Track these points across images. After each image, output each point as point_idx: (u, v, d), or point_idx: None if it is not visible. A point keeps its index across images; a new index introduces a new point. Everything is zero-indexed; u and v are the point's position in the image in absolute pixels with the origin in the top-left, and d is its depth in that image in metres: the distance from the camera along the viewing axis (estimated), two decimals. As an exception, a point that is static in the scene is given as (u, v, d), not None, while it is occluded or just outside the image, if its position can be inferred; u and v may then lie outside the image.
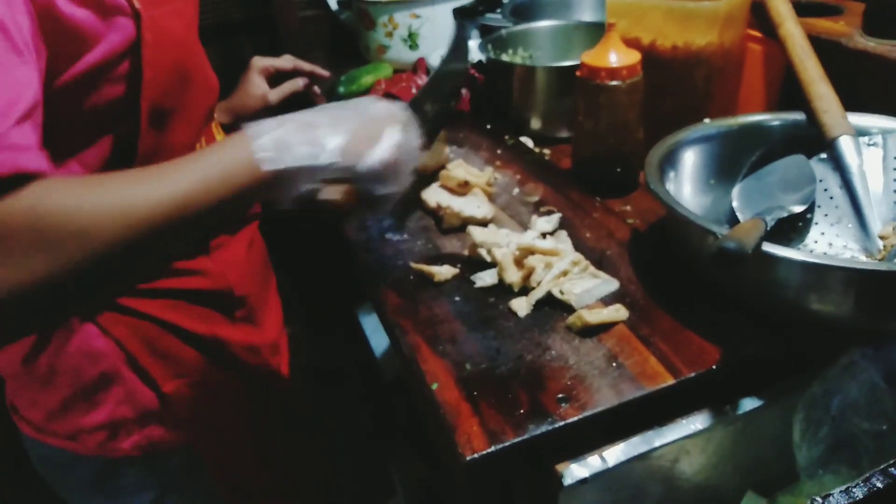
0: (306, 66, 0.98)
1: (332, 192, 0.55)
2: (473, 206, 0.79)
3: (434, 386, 0.57)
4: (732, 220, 0.74)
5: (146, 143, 0.60)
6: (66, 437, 0.70)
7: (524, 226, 0.78)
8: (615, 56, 0.78)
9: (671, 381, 0.56)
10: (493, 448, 0.51)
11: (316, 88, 1.00)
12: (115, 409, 0.68)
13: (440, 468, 1.16)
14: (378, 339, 1.32)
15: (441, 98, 0.69)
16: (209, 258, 0.73)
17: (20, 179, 0.41)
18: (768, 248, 0.54)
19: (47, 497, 0.80)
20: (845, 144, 0.70)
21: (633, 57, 0.78)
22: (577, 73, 0.80)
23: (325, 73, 1.01)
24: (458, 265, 0.72)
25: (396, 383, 1.28)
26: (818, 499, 0.53)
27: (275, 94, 0.93)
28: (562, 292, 0.64)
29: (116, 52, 0.54)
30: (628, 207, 0.81)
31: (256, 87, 0.92)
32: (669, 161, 0.72)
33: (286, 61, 0.96)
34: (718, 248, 0.48)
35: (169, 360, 0.69)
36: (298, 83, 0.96)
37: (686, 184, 0.75)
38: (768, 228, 0.58)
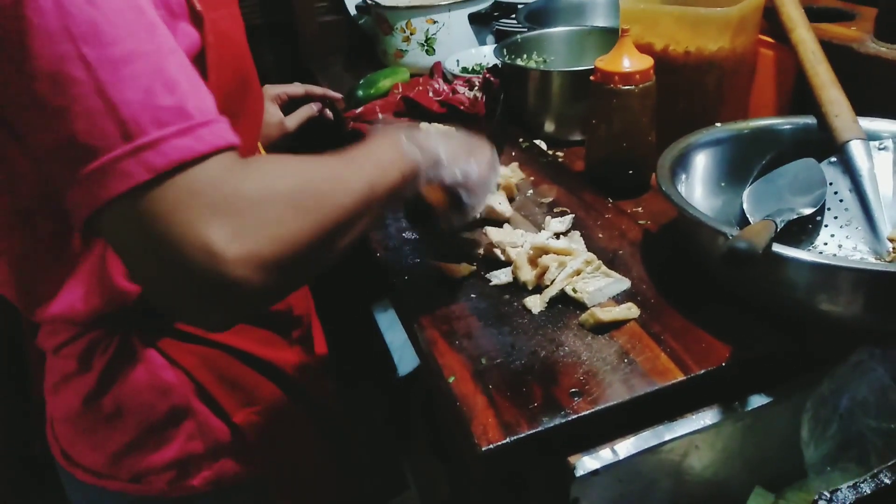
0: (318, 90, 1.02)
1: (429, 193, 0.64)
2: (496, 201, 0.81)
3: (451, 379, 0.59)
4: (743, 223, 0.75)
5: None
6: (130, 480, 0.65)
7: (538, 226, 0.80)
8: (628, 61, 0.79)
9: (681, 378, 0.57)
10: (508, 439, 0.53)
11: (329, 113, 1.04)
12: (185, 445, 0.65)
13: (453, 463, 1.17)
14: (393, 336, 1.35)
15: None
16: None
17: (234, 150, 0.44)
18: (778, 248, 0.56)
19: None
20: (856, 148, 0.71)
21: (646, 62, 0.80)
22: (591, 78, 0.82)
23: (336, 95, 1.05)
24: (475, 263, 0.74)
25: (411, 379, 1.30)
26: (826, 494, 0.54)
27: (292, 121, 0.96)
28: (575, 290, 0.66)
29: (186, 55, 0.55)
30: (640, 209, 0.82)
31: (272, 115, 0.94)
32: (681, 164, 0.74)
33: (297, 87, 0.99)
34: (729, 248, 0.50)
35: (238, 388, 0.67)
36: (313, 108, 0.99)
37: (697, 186, 0.77)
38: (778, 230, 0.60)
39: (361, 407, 1.43)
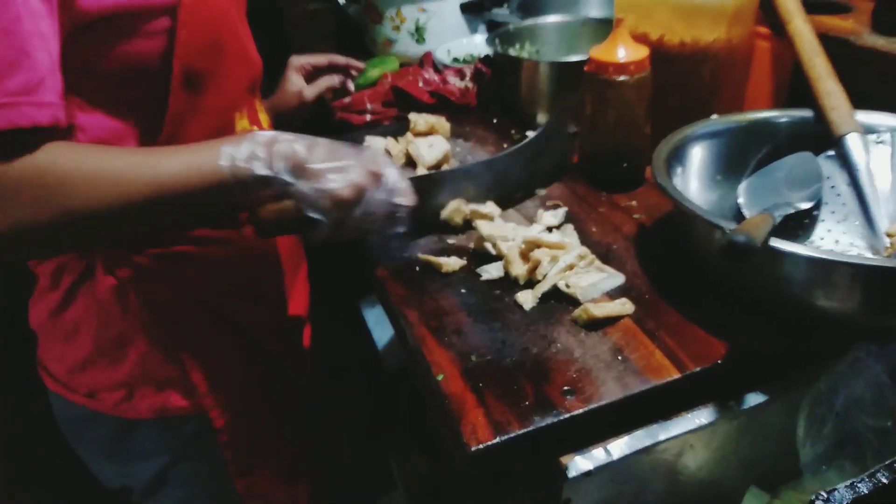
0: (341, 59, 1.01)
1: (271, 206, 0.60)
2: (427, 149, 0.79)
3: (440, 377, 0.57)
4: (739, 217, 0.74)
5: (177, 103, 0.61)
6: (86, 395, 0.71)
7: (530, 220, 0.78)
8: (623, 51, 0.77)
9: (676, 375, 0.56)
10: (498, 439, 0.51)
11: (350, 84, 1.03)
12: (132, 370, 0.70)
13: (441, 461, 1.16)
14: (381, 332, 1.33)
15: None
16: (238, 232, 0.74)
17: (36, 132, 0.49)
18: (776, 243, 0.54)
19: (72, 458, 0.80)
20: (853, 142, 0.70)
21: (642, 52, 0.78)
22: (585, 68, 0.80)
23: (360, 64, 1.04)
24: (465, 257, 0.72)
25: (398, 376, 1.28)
26: (823, 493, 0.53)
27: (310, 91, 0.96)
28: (568, 286, 0.64)
29: (152, 4, 0.57)
30: (634, 202, 0.81)
31: (293, 84, 0.96)
32: (677, 156, 0.72)
33: (322, 58, 0.99)
34: (728, 241, 0.48)
35: (189, 328, 0.70)
36: (334, 79, 0.99)
37: (693, 179, 0.75)
38: (776, 224, 0.58)
39: (347, 403, 1.41)
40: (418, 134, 0.92)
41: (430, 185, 0.74)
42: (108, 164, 0.53)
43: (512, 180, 0.79)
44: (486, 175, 0.77)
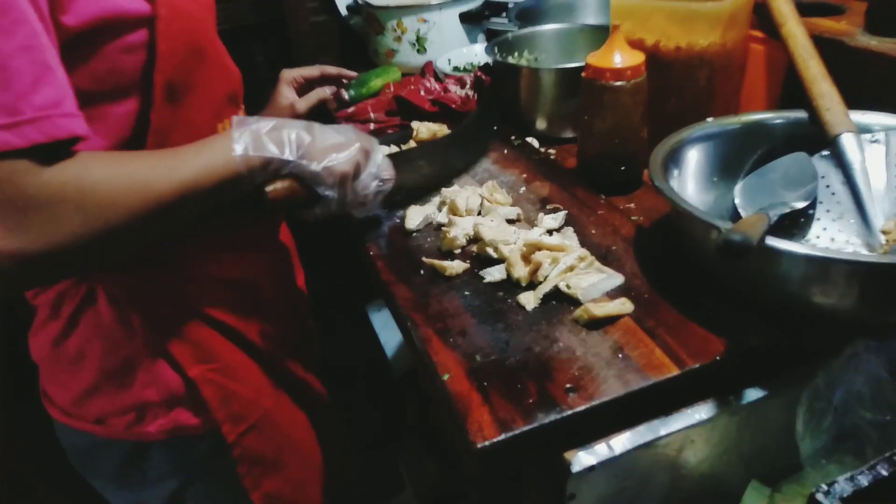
0: (332, 70, 1.03)
1: (277, 185, 0.65)
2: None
3: (445, 377, 0.58)
4: (735, 217, 0.75)
5: (160, 117, 0.62)
6: (94, 422, 0.72)
7: (531, 223, 0.80)
8: (620, 57, 0.79)
9: (676, 372, 0.57)
10: (503, 436, 0.53)
11: (344, 93, 1.05)
12: (140, 392, 0.70)
13: (449, 463, 1.17)
14: (388, 336, 1.34)
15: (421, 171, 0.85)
16: (233, 250, 0.75)
17: (70, 143, 0.50)
18: (772, 241, 0.55)
19: (79, 490, 0.81)
20: (847, 141, 0.71)
21: (638, 58, 0.80)
22: (583, 74, 0.82)
23: (352, 73, 1.05)
24: (468, 261, 0.73)
25: (406, 380, 1.30)
26: (824, 486, 0.54)
27: (302, 103, 0.97)
28: (568, 286, 0.65)
29: (128, 14, 0.58)
30: (632, 205, 0.82)
31: (284, 97, 0.97)
32: (673, 159, 0.74)
33: (313, 70, 1.00)
34: (724, 241, 0.50)
35: (194, 344, 0.71)
36: (325, 91, 1.00)
37: (690, 181, 0.77)
38: (771, 223, 0.60)
39: (355, 407, 1.42)
40: (420, 141, 0.94)
41: (400, 162, 0.78)
42: (135, 169, 0.54)
43: (454, 157, 0.93)
44: (438, 153, 0.89)
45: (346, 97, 1.06)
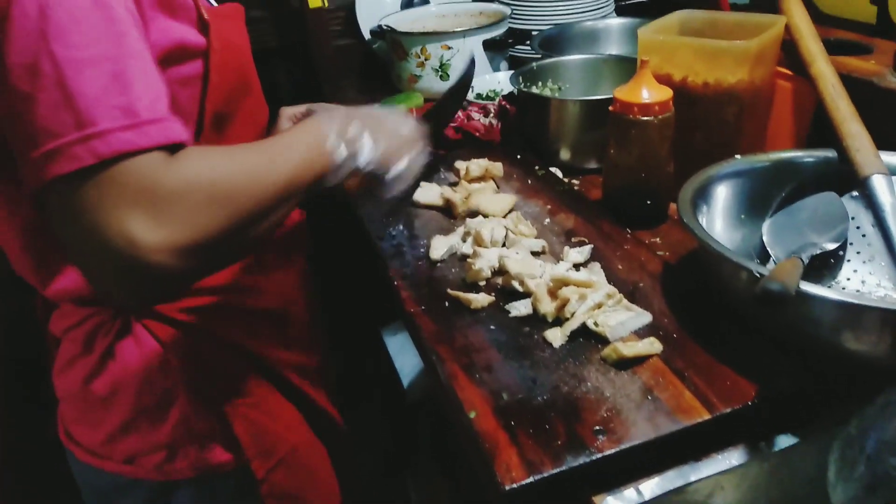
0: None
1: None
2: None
3: (472, 414, 0.58)
4: (763, 255, 0.75)
5: (208, 143, 0.64)
6: (123, 461, 0.71)
7: (556, 256, 0.79)
8: (647, 92, 0.79)
9: (707, 417, 0.56)
10: (532, 478, 0.52)
11: None
12: (174, 429, 0.70)
13: (461, 487, 1.16)
14: (402, 360, 1.33)
15: (441, 119, 0.90)
16: (266, 278, 0.76)
17: (177, 147, 0.50)
18: (805, 286, 0.55)
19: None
20: (878, 183, 0.71)
21: (665, 93, 0.80)
22: (610, 108, 0.82)
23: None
24: (492, 294, 0.73)
25: (419, 403, 1.29)
26: (855, 537, 0.53)
27: None
28: (596, 324, 0.65)
29: (189, 46, 0.60)
30: (658, 240, 0.82)
31: None
32: (702, 196, 0.73)
33: (312, 107, 1.02)
34: (763, 290, 0.49)
35: (227, 379, 0.71)
36: None
37: (718, 218, 0.76)
38: (804, 266, 0.59)
39: (366, 429, 1.41)
40: (472, 180, 0.95)
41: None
42: (241, 164, 0.54)
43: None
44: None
45: None
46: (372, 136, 0.65)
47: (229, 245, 0.52)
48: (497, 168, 0.96)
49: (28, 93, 0.46)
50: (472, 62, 0.95)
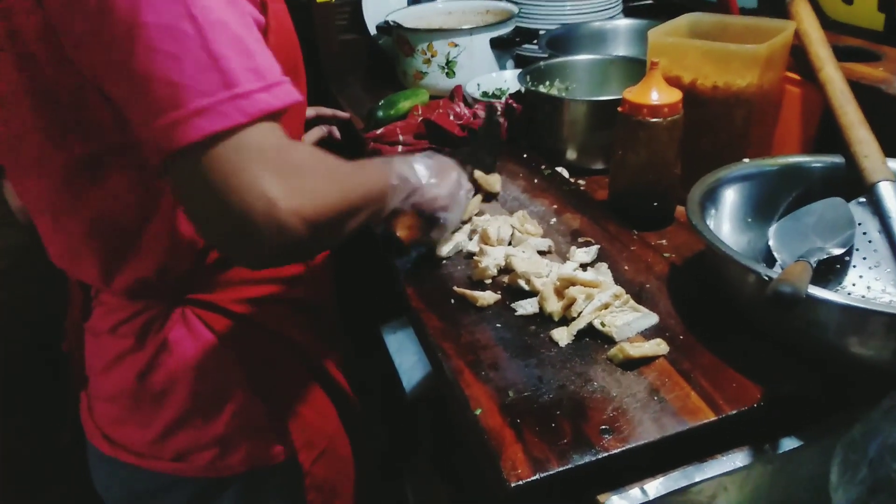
0: (327, 111, 1.09)
1: (401, 225, 0.73)
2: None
3: (478, 411, 0.58)
4: (769, 259, 0.75)
5: None
6: (173, 459, 0.68)
7: (562, 256, 0.79)
8: (657, 94, 0.79)
9: (713, 418, 0.57)
10: (537, 476, 0.52)
11: (336, 132, 1.10)
12: (230, 422, 0.68)
13: (463, 491, 1.16)
14: (402, 358, 1.33)
15: (477, 163, 0.93)
16: (304, 268, 0.77)
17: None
18: (813, 290, 0.55)
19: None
20: (885, 190, 0.71)
21: (675, 95, 0.80)
22: (619, 109, 0.82)
23: (344, 115, 1.12)
24: (499, 292, 0.73)
25: (418, 401, 1.29)
26: (857, 541, 0.53)
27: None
28: (603, 324, 0.65)
29: (256, 24, 0.60)
30: (664, 241, 0.82)
31: None
32: (710, 199, 0.74)
33: (309, 111, 1.05)
34: (774, 292, 0.49)
35: (278, 370, 0.71)
36: (323, 129, 1.07)
37: (725, 221, 0.76)
38: (812, 270, 0.59)
39: (365, 427, 1.41)
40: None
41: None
42: (334, 158, 0.56)
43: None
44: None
45: (339, 136, 1.11)
46: (420, 170, 0.69)
47: (338, 228, 0.54)
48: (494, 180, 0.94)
49: (172, 52, 0.46)
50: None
